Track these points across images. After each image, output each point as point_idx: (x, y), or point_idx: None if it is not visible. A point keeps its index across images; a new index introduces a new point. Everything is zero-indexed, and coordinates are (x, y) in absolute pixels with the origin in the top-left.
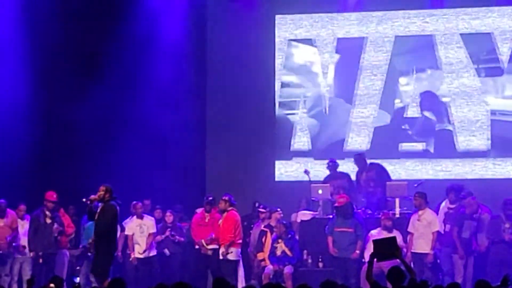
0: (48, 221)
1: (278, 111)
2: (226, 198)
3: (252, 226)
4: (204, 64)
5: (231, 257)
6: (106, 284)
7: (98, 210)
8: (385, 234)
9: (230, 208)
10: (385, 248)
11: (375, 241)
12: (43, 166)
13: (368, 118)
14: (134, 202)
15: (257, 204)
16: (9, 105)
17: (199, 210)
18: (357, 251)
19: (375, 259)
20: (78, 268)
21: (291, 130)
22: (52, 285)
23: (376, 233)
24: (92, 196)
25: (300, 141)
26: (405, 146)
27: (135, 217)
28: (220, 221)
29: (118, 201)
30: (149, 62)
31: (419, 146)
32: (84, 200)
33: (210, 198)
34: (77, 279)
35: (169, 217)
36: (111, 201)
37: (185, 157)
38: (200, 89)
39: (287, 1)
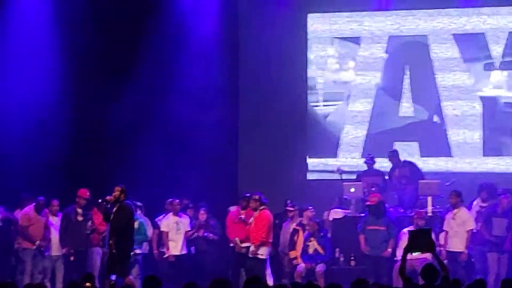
0: (80, 218)
1: (311, 108)
2: (257, 197)
3: (281, 224)
4: (236, 62)
5: (261, 256)
6: (129, 282)
7: (114, 210)
8: None
9: (262, 207)
10: (420, 240)
11: (411, 232)
12: (75, 164)
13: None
14: (171, 199)
15: (288, 202)
16: (43, 105)
17: (232, 208)
18: (389, 249)
19: (408, 254)
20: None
21: (324, 127)
22: (88, 284)
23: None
24: (108, 197)
25: (334, 138)
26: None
27: (171, 214)
28: (251, 219)
29: (133, 201)
30: (181, 61)
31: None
32: (100, 201)
33: (247, 195)
34: (114, 277)
35: (202, 215)
36: (126, 200)
37: (217, 155)
38: (233, 87)
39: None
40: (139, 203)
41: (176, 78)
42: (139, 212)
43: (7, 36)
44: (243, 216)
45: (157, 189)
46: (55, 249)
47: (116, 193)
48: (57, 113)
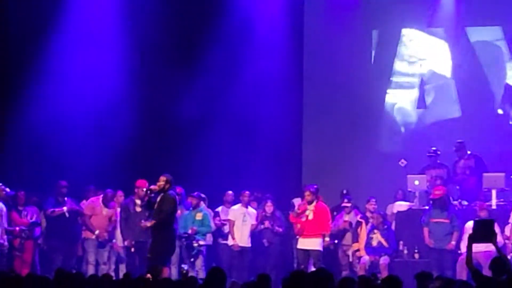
0: (138, 209)
1: (376, 99)
2: (312, 189)
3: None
4: (301, 55)
5: (319, 247)
6: (165, 274)
7: (158, 200)
8: None
9: (318, 199)
10: (483, 230)
11: (476, 222)
12: (141, 156)
13: None
14: (243, 191)
15: (344, 191)
16: (110, 97)
17: (296, 200)
18: (453, 242)
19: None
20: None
21: (389, 119)
22: (148, 275)
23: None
24: (153, 186)
25: (398, 130)
26: None
27: (240, 204)
28: (308, 211)
29: (198, 193)
30: (247, 55)
31: None
32: (144, 189)
33: (315, 187)
34: (185, 266)
35: (269, 207)
36: (170, 191)
37: (282, 148)
38: (297, 80)
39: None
40: (203, 195)
41: (242, 71)
42: (203, 204)
43: (76, 27)
44: (299, 211)
45: (222, 182)
46: (119, 240)
47: (161, 183)
48: (123, 105)
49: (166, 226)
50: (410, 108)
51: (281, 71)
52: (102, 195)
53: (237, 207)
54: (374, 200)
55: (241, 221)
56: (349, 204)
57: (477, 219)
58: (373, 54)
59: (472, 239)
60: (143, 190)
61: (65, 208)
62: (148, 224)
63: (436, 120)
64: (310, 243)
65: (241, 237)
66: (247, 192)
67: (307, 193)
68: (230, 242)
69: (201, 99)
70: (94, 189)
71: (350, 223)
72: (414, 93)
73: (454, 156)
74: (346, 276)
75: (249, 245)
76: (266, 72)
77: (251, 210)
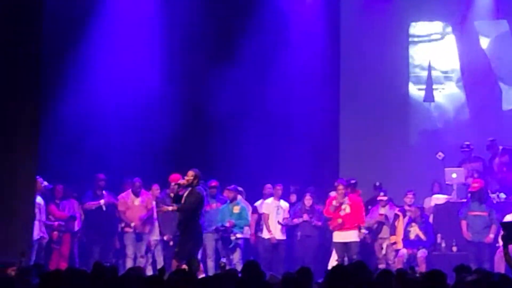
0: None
1: (411, 94)
2: (345, 183)
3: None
4: (337, 47)
5: (356, 239)
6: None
7: (185, 194)
8: None
9: (352, 192)
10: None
11: (502, 224)
12: (179, 150)
13: None
14: (275, 184)
15: (377, 184)
16: (149, 91)
17: (333, 193)
18: (491, 235)
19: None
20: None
21: (425, 113)
22: (184, 266)
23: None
24: (181, 181)
25: (435, 123)
26: None
27: (273, 197)
28: (345, 205)
29: (235, 186)
30: (284, 50)
31: None
32: (173, 184)
33: (353, 182)
34: (224, 259)
35: (308, 200)
36: (198, 186)
37: (319, 141)
38: (334, 73)
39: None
40: (240, 188)
41: (279, 64)
42: (240, 197)
43: (114, 21)
44: (337, 204)
45: (259, 175)
46: (156, 233)
47: (190, 178)
48: (161, 100)
49: (192, 221)
50: (446, 102)
51: (318, 64)
52: (131, 188)
53: (270, 200)
54: (411, 193)
55: (274, 214)
56: (385, 198)
57: (503, 222)
58: (410, 48)
59: (506, 240)
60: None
61: (102, 201)
62: (170, 208)
63: (471, 115)
64: (348, 236)
65: (275, 230)
66: (280, 185)
67: (340, 187)
68: (265, 235)
69: (238, 93)
70: (131, 181)
71: (386, 216)
72: (450, 88)
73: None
74: (384, 269)
75: (284, 237)
76: (303, 65)
77: (283, 203)
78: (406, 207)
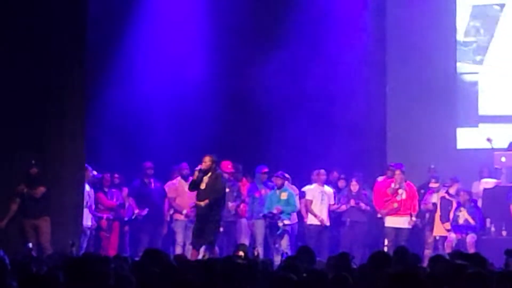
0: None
1: (459, 76)
2: (403, 168)
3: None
4: (383, 32)
5: (409, 225)
6: (215, 253)
7: (206, 181)
8: None
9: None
10: None
11: None
12: (224, 138)
13: None
14: (318, 169)
15: (432, 166)
16: (192, 80)
17: (380, 178)
18: None
19: None
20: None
21: (475, 95)
22: (241, 252)
23: None
24: (201, 166)
25: (484, 106)
26: None
27: (316, 184)
28: (401, 191)
29: (282, 173)
30: (327, 33)
31: None
32: (195, 169)
33: (392, 165)
34: (258, 248)
35: (354, 186)
36: (218, 171)
37: (366, 126)
38: (380, 58)
39: None
40: (287, 175)
41: (322, 51)
42: (287, 183)
43: (157, 9)
44: (396, 186)
45: (307, 162)
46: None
47: (208, 163)
48: (207, 88)
49: (217, 206)
50: (495, 87)
51: (363, 47)
52: (179, 174)
53: (313, 186)
54: (458, 181)
55: (319, 200)
56: (436, 185)
57: None
58: (459, 29)
59: None
60: (226, 173)
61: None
62: (203, 204)
63: None
64: (401, 222)
65: (321, 216)
66: (322, 170)
67: (397, 172)
68: (310, 221)
69: (284, 81)
70: (179, 168)
71: (434, 204)
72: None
73: None
74: (437, 254)
75: (328, 223)
76: (347, 49)
77: (327, 189)
78: (452, 192)
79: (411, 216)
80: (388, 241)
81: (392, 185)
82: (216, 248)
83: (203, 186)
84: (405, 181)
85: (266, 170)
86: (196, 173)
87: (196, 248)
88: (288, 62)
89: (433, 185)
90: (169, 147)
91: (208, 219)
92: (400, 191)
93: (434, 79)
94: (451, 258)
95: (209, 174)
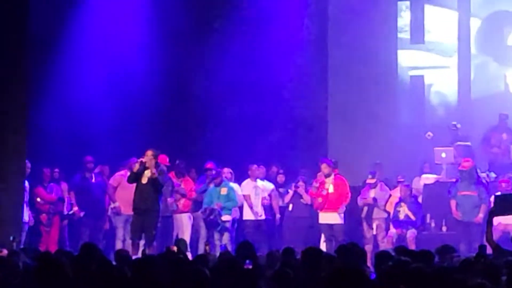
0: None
1: (400, 74)
2: (329, 162)
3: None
4: (325, 27)
5: (341, 221)
6: (154, 248)
7: (149, 175)
8: None
9: (335, 173)
10: (507, 203)
11: (496, 196)
12: (172, 131)
13: None
14: (250, 165)
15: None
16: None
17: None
18: (481, 215)
19: (503, 219)
20: None
21: (417, 92)
22: (174, 248)
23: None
24: (143, 159)
25: (423, 103)
26: None
27: (249, 179)
28: (328, 184)
29: (224, 167)
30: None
31: None
32: (135, 161)
33: (332, 160)
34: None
35: (302, 187)
36: (160, 166)
37: (307, 123)
38: (322, 53)
39: None
40: (229, 170)
41: (264, 43)
42: (229, 177)
43: (98, 4)
44: (317, 185)
45: (247, 157)
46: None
47: (150, 157)
48: (148, 81)
49: (156, 201)
50: (438, 82)
51: (305, 43)
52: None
53: (246, 182)
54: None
55: (254, 195)
56: (372, 181)
57: (497, 194)
58: (400, 25)
59: (493, 214)
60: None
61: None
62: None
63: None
64: (331, 218)
65: (256, 210)
66: (254, 165)
67: (323, 165)
68: (246, 216)
69: (225, 75)
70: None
71: (375, 199)
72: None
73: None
74: (383, 250)
75: (264, 217)
76: (289, 43)
77: (260, 183)
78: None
79: (342, 208)
80: (325, 238)
81: (314, 183)
82: (155, 243)
83: (144, 180)
84: (335, 175)
85: (209, 166)
86: (137, 166)
87: (135, 242)
88: (230, 56)
89: (369, 181)
90: (112, 142)
91: (148, 214)
92: (326, 185)
93: (375, 76)
94: (396, 254)
95: (151, 168)
